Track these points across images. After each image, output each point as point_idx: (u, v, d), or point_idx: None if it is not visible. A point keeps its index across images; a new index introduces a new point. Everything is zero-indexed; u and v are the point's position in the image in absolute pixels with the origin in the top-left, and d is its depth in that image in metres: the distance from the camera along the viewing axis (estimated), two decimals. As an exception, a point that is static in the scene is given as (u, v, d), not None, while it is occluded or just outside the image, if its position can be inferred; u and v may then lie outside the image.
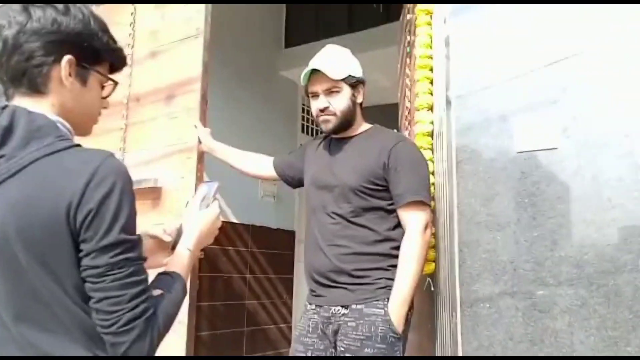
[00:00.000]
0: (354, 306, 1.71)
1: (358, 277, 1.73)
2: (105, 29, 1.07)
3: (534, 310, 1.46)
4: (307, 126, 4.96)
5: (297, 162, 2.10)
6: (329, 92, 1.86)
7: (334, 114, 1.86)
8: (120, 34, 2.71)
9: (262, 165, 2.25)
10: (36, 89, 1.00)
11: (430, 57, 2.12)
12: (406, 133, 2.37)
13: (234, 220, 3.97)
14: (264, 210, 4.27)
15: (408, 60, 2.47)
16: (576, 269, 1.43)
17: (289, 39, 4.73)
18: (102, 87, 1.10)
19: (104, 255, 0.91)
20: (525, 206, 1.53)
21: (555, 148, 1.51)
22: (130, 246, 0.94)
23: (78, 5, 1.03)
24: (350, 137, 1.92)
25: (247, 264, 4.04)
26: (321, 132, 2.03)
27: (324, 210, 1.84)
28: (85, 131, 1.12)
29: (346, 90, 1.87)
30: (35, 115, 0.98)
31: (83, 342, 0.93)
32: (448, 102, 1.79)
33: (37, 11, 0.98)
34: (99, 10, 2.89)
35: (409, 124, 2.39)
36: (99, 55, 1.07)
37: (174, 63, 2.52)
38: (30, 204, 0.91)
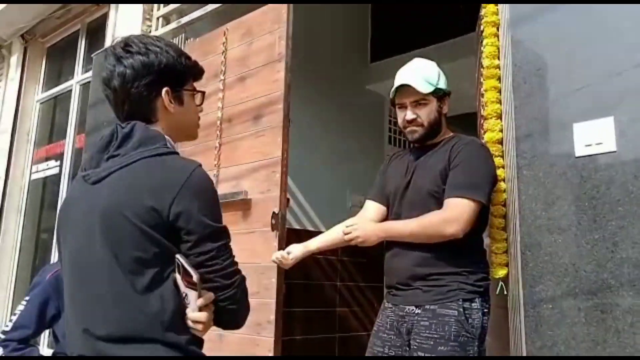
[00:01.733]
0: (427, 306, 1.77)
1: (432, 279, 1.79)
2: (180, 52, 1.29)
3: (595, 310, 1.49)
4: (394, 137, 5.05)
5: (383, 185, 2.11)
6: (417, 104, 1.93)
7: (422, 125, 1.93)
8: (212, 61, 3.03)
9: (374, 214, 2.09)
10: (148, 120, 1.24)
11: (498, 67, 2.17)
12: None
13: (324, 230, 4.14)
14: (353, 220, 4.40)
15: (481, 70, 2.53)
16: (637, 269, 1.44)
17: (374, 52, 4.86)
18: (193, 98, 1.32)
19: (210, 242, 1.11)
20: (586, 209, 1.56)
21: (614, 151, 1.53)
22: (226, 232, 1.15)
23: (150, 40, 1.25)
24: (432, 145, 1.98)
25: (337, 272, 4.18)
26: (408, 144, 2.12)
27: (404, 216, 1.91)
28: (192, 137, 1.38)
29: (433, 103, 1.94)
30: (151, 129, 1.22)
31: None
32: (511, 111, 1.85)
33: (128, 60, 1.21)
34: (195, 43, 3.24)
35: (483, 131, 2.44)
36: (184, 76, 1.29)
37: (260, 86, 2.76)
38: (130, 190, 1.12)
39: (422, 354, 1.73)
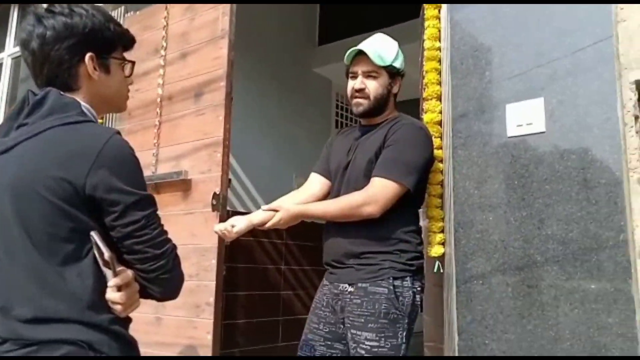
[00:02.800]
0: (359, 284, 1.80)
1: (365, 258, 1.82)
2: (109, 17, 1.21)
3: (522, 285, 1.54)
4: (341, 122, 5.07)
5: (327, 160, 2.12)
6: (368, 75, 1.93)
7: (368, 97, 1.93)
8: (153, 36, 2.93)
9: (318, 187, 2.10)
10: (69, 87, 1.16)
11: (439, 49, 2.20)
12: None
13: (268, 213, 4.12)
14: (298, 203, 4.40)
15: (424, 52, 2.56)
16: (561, 246, 1.50)
17: (322, 36, 4.85)
18: (122, 68, 1.25)
19: (137, 211, 1.07)
20: (515, 188, 1.60)
21: (543, 132, 1.58)
22: (152, 200, 1.11)
23: (77, 4, 1.17)
24: (376, 125, 1.99)
25: (282, 255, 4.18)
26: (356, 121, 2.11)
27: (342, 194, 1.91)
28: (119, 108, 1.30)
29: (384, 77, 1.95)
30: (66, 96, 1.14)
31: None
32: (449, 92, 1.88)
33: (49, 20, 1.13)
34: (135, 16, 3.12)
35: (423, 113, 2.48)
36: (112, 43, 1.21)
37: (202, 62, 2.70)
38: (39, 162, 1.05)
39: (355, 332, 1.76)
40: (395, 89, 2.00)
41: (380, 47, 1.96)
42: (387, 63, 1.93)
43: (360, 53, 1.92)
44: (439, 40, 2.19)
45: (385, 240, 1.82)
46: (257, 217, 1.81)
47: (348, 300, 1.82)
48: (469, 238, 1.67)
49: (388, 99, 1.99)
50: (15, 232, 1.04)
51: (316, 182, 2.10)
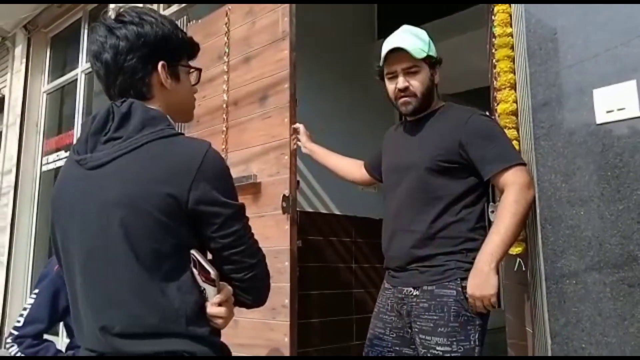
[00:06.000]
0: (425, 287, 1.72)
1: (428, 260, 1.74)
2: (176, 25, 1.20)
3: (622, 284, 1.42)
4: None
5: (380, 157, 2.10)
6: (409, 71, 1.83)
7: (414, 95, 1.84)
8: (215, 43, 2.96)
9: (355, 168, 2.31)
10: (143, 97, 1.15)
11: (510, 35, 2.08)
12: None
13: (337, 212, 4.10)
14: (366, 201, 4.36)
15: (493, 39, 2.44)
16: (666, 240, 1.37)
17: (381, 28, 4.76)
18: (189, 77, 1.24)
19: (235, 222, 1.08)
20: (609, 179, 1.48)
21: (638, 117, 1.45)
22: (245, 210, 1.12)
23: (144, 10, 1.16)
24: (425, 118, 1.90)
25: (351, 254, 4.15)
26: (401, 117, 2.05)
27: (398, 194, 1.84)
28: (188, 117, 1.30)
29: (426, 70, 1.85)
30: (151, 109, 1.13)
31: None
32: (526, 79, 1.76)
33: (121, 31, 1.12)
34: (197, 25, 3.17)
35: (496, 103, 2.36)
36: (180, 51, 1.21)
37: (265, 66, 2.69)
38: (142, 178, 1.05)
39: (424, 337, 1.69)
40: (437, 79, 1.90)
41: (414, 39, 1.85)
42: (426, 54, 1.83)
43: (397, 50, 1.80)
44: (511, 26, 2.08)
45: (450, 240, 1.73)
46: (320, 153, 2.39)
47: (414, 304, 1.75)
48: (558, 235, 1.55)
49: (433, 91, 1.89)
50: (121, 249, 1.04)
51: (359, 167, 2.26)
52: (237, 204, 1.10)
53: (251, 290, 1.13)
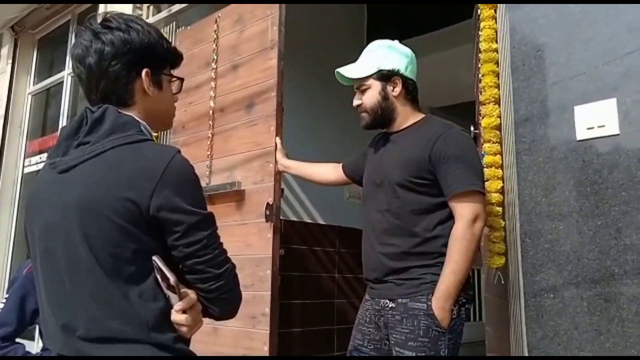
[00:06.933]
0: (399, 300, 1.72)
1: (404, 272, 1.74)
2: (161, 34, 1.21)
3: (599, 299, 1.44)
4: (392, 127, 4.99)
5: (361, 161, 2.11)
6: (359, 89, 1.92)
7: (366, 111, 1.91)
8: (204, 50, 2.96)
9: (330, 172, 2.34)
10: (125, 103, 1.15)
11: (496, 51, 2.11)
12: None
13: (321, 222, 4.10)
14: (350, 212, 4.36)
15: (479, 55, 2.47)
16: (642, 257, 1.39)
17: (370, 40, 4.77)
18: (171, 86, 1.24)
19: (199, 231, 1.06)
20: (588, 195, 1.50)
21: (617, 134, 1.47)
22: (213, 219, 1.09)
23: (131, 17, 1.16)
24: (400, 131, 1.91)
25: (334, 263, 4.14)
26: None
27: (375, 208, 1.85)
28: (167, 126, 1.30)
29: (375, 86, 1.88)
30: (124, 114, 1.13)
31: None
32: (509, 95, 1.79)
33: (107, 36, 1.12)
34: (187, 31, 3.17)
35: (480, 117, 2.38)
36: (164, 59, 1.21)
37: (253, 74, 2.70)
38: (104, 183, 1.04)
39: (398, 349, 1.70)
40: (396, 91, 1.88)
41: (365, 56, 1.92)
42: (371, 72, 1.87)
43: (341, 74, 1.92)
44: (496, 42, 2.11)
45: (427, 254, 1.73)
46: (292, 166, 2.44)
47: (390, 316, 1.75)
48: (537, 249, 1.57)
49: (389, 104, 1.89)
50: (82, 251, 1.04)
51: (334, 169, 2.29)
52: (202, 212, 1.07)
53: (217, 301, 1.10)
